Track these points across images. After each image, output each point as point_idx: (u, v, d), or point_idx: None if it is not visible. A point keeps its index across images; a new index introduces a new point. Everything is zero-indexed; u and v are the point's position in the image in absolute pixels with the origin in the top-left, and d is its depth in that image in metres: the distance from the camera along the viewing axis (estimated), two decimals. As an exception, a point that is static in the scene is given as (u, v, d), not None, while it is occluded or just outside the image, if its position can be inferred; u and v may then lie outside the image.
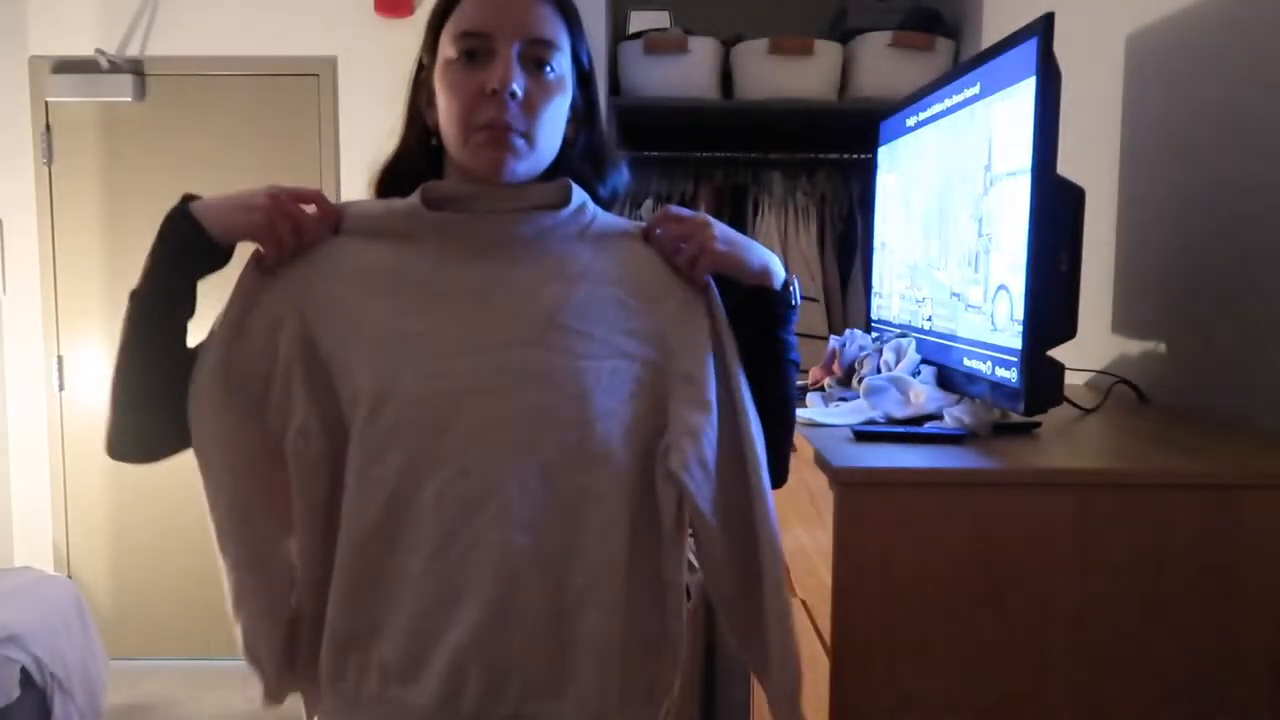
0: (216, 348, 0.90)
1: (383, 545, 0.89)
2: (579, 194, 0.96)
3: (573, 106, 0.98)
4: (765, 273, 0.99)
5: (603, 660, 0.90)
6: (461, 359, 0.90)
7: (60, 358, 3.35)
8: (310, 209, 0.93)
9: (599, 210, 0.99)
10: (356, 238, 0.94)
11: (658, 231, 0.99)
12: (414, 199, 0.93)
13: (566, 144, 0.99)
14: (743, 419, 0.94)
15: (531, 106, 0.92)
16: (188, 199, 0.92)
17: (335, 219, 0.95)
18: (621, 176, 1.05)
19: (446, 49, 0.94)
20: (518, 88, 0.90)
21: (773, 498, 0.95)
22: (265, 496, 0.93)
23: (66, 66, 3.23)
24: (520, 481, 0.88)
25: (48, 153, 3.29)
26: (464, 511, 0.88)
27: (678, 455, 0.91)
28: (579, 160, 1.01)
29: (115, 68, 3.21)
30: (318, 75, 3.26)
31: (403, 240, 0.94)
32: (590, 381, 0.90)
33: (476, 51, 0.92)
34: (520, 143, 0.92)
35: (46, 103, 3.26)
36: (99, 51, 3.17)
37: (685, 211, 1.00)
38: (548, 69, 0.93)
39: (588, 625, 0.90)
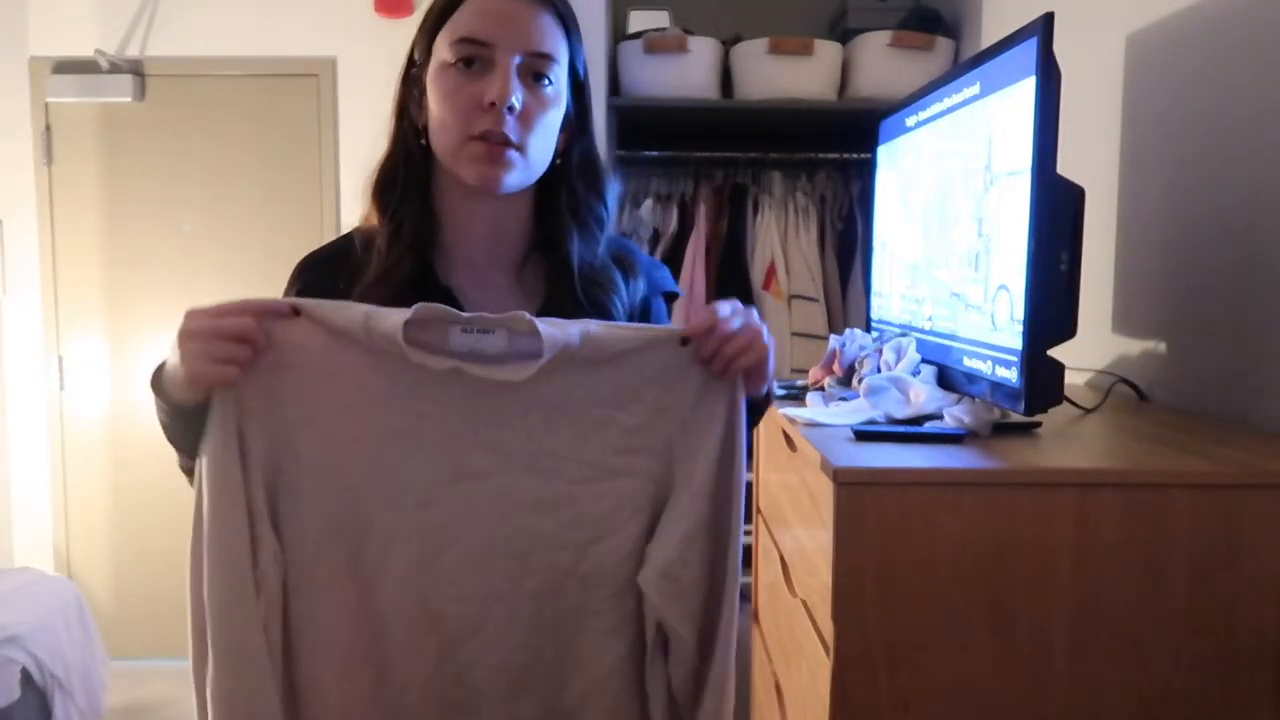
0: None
1: (373, 674, 0.87)
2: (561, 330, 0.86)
3: (566, 116, 0.98)
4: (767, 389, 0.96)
5: None
6: (449, 488, 0.86)
7: (60, 358, 3.35)
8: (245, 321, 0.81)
9: (594, 326, 0.87)
10: (333, 345, 0.84)
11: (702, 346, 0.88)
12: (398, 324, 0.82)
13: (559, 154, 0.99)
14: (732, 527, 0.89)
15: (527, 120, 0.92)
16: (156, 381, 0.85)
17: (282, 311, 0.83)
18: (614, 187, 1.05)
19: (443, 52, 0.92)
20: (516, 101, 0.90)
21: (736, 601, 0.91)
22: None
23: (66, 67, 3.23)
24: (510, 608, 0.88)
25: (48, 153, 3.29)
26: (455, 639, 0.88)
27: (649, 569, 0.88)
28: (574, 172, 1.00)
29: (115, 68, 3.21)
30: (317, 75, 3.26)
31: (385, 355, 0.84)
32: (583, 507, 0.88)
33: (475, 59, 0.91)
34: (514, 155, 0.91)
35: (46, 103, 3.26)
36: (99, 52, 3.17)
37: (735, 321, 0.87)
38: (545, 82, 0.93)
39: None
